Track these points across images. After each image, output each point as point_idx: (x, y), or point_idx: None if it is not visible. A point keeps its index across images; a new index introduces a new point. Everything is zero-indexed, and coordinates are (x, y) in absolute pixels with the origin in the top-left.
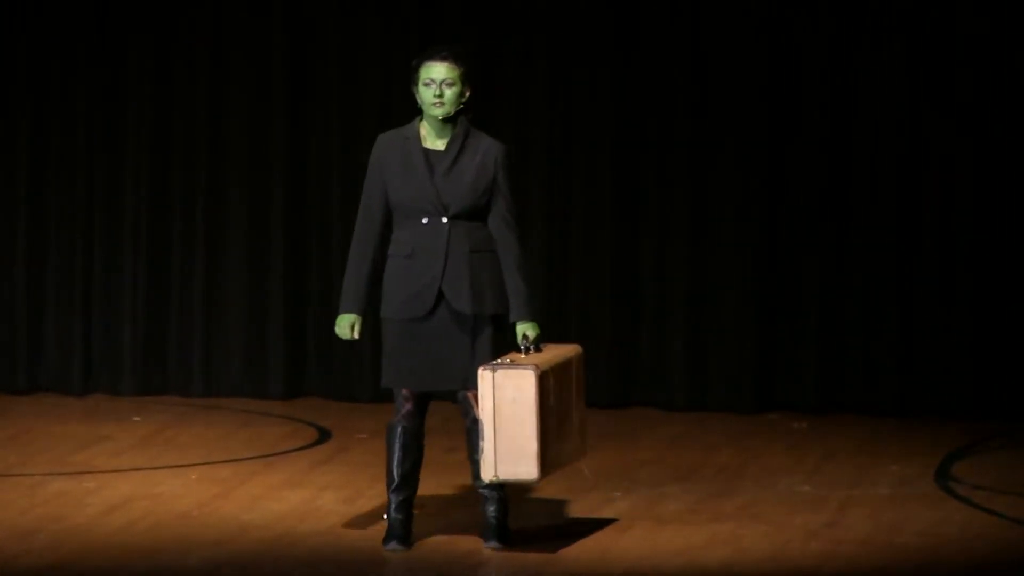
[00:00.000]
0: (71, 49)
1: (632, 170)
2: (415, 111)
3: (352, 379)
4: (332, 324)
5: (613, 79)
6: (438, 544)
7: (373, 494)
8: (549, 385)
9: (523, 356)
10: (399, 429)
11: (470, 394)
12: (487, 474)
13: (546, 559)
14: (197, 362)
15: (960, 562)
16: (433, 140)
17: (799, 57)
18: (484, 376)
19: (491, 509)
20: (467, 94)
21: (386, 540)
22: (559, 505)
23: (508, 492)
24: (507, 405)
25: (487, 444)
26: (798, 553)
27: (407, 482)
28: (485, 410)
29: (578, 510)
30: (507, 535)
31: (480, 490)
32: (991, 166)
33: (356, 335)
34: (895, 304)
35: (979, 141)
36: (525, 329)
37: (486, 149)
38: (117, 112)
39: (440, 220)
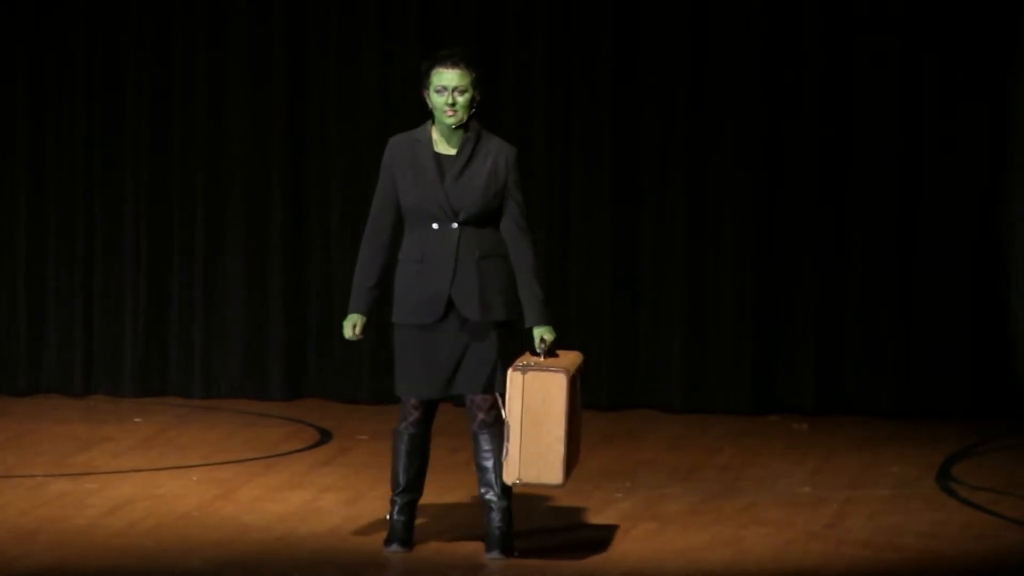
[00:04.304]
0: (69, 47)
1: (631, 171)
2: (427, 113)
3: (353, 380)
4: (332, 325)
5: (612, 79)
6: (440, 547)
7: (374, 496)
8: (574, 389)
9: (541, 359)
10: (406, 436)
11: (481, 398)
12: (510, 477)
13: (547, 560)
14: (198, 363)
15: (961, 563)
16: (444, 144)
17: (797, 62)
18: (513, 378)
19: (496, 519)
20: (478, 99)
21: (388, 542)
22: (560, 506)
23: (513, 502)
24: (536, 408)
25: (512, 446)
26: (799, 554)
27: (411, 486)
28: (512, 412)
29: (579, 511)
30: (510, 546)
31: (485, 498)
32: (990, 165)
33: (358, 334)
34: (895, 305)
35: (978, 139)
36: (542, 333)
37: (497, 152)
38: (116, 113)
39: (450, 226)
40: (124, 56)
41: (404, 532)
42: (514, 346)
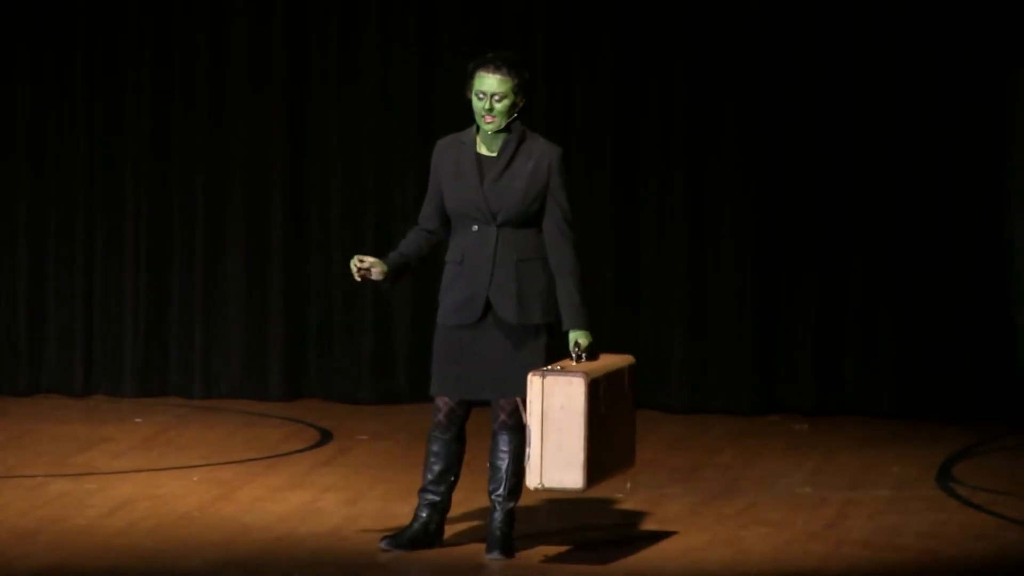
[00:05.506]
0: (69, 47)
1: (631, 171)
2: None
3: (353, 380)
4: (332, 326)
5: (612, 79)
6: (442, 548)
7: (374, 495)
8: (599, 393)
9: (575, 364)
10: (430, 437)
11: (505, 400)
12: (532, 481)
13: (548, 561)
14: (198, 363)
15: (961, 563)
16: (487, 147)
17: (797, 62)
18: (533, 382)
19: (498, 519)
20: (520, 104)
21: (389, 537)
22: (560, 507)
23: (516, 506)
24: (555, 412)
25: (534, 451)
26: (799, 554)
27: (429, 487)
28: (533, 416)
29: (579, 512)
30: (510, 548)
31: (492, 497)
32: (990, 165)
33: (360, 262)
34: (895, 305)
35: (978, 139)
36: (577, 337)
37: (540, 153)
38: (116, 114)
39: (489, 228)
40: (124, 56)
41: (410, 532)
42: (553, 350)
